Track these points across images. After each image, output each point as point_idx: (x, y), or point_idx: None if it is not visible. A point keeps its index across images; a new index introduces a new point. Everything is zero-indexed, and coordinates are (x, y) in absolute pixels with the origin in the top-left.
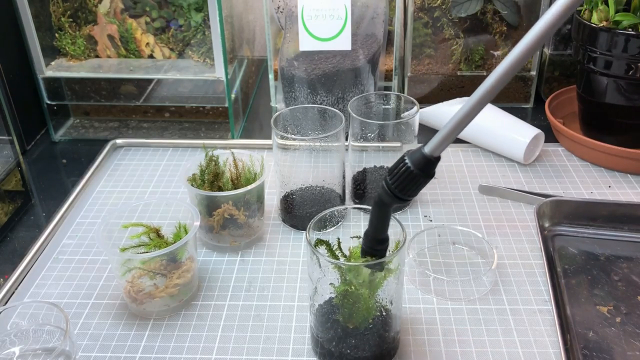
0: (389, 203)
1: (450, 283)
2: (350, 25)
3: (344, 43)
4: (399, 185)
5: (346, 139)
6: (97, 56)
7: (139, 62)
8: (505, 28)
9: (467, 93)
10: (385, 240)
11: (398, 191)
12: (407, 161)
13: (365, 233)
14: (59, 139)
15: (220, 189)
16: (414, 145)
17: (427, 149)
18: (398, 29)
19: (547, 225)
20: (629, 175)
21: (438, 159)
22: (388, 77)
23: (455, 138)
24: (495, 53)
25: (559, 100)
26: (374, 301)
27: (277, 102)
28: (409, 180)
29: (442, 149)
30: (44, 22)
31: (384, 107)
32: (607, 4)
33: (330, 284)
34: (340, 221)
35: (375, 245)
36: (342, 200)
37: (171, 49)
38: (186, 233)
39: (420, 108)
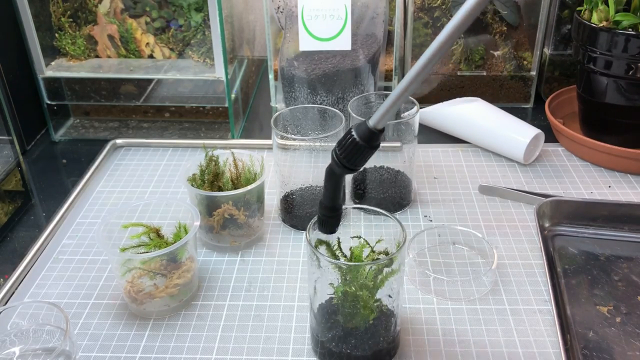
0: (339, 173)
1: (450, 283)
2: (350, 25)
3: (344, 43)
4: (347, 156)
5: None
6: (97, 56)
7: (139, 62)
8: (505, 28)
9: (467, 93)
10: (337, 209)
11: (346, 161)
12: (353, 133)
13: (320, 202)
14: (59, 139)
15: (220, 189)
16: (414, 145)
17: (372, 122)
18: (398, 29)
19: (547, 225)
20: (629, 175)
21: (382, 131)
22: (388, 77)
23: (396, 110)
24: (495, 53)
25: (559, 100)
26: (374, 301)
27: (277, 102)
28: (355, 151)
29: (385, 122)
30: (44, 22)
31: None
32: (607, 4)
33: (330, 284)
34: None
35: (328, 212)
36: (342, 200)
37: (171, 49)
38: (186, 233)
39: (420, 108)
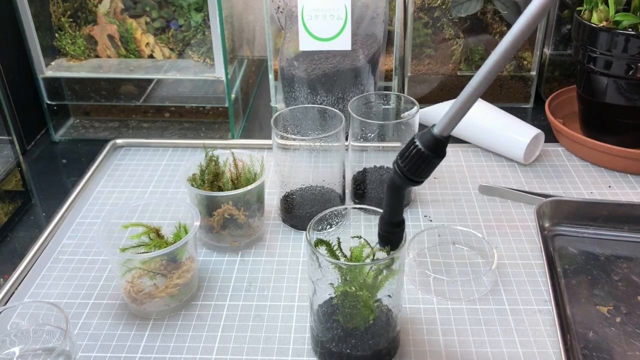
0: (402, 185)
1: (450, 283)
2: (350, 25)
3: (344, 43)
4: (411, 168)
5: (346, 139)
6: (97, 56)
7: (139, 62)
8: (505, 28)
9: None
10: (401, 223)
11: (410, 173)
12: (417, 143)
13: (381, 217)
14: (59, 139)
15: (220, 189)
16: None
17: (437, 130)
18: (398, 29)
19: (547, 225)
20: (629, 175)
21: (448, 138)
22: (388, 77)
23: (463, 116)
24: None
25: (559, 100)
26: (374, 301)
27: (277, 102)
28: (420, 161)
29: (451, 128)
30: (44, 22)
31: (384, 107)
32: (607, 4)
33: (330, 284)
34: (340, 221)
35: (392, 228)
36: (342, 200)
37: (171, 49)
38: (186, 233)
39: (420, 108)
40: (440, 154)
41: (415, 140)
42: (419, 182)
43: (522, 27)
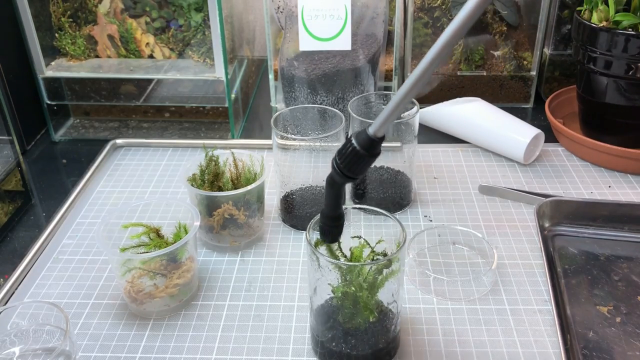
0: (340, 182)
1: (450, 283)
2: (350, 25)
3: (344, 43)
4: (347, 165)
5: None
6: (97, 56)
7: (139, 62)
8: (505, 28)
9: (467, 93)
10: (339, 218)
11: (346, 170)
12: (353, 142)
13: (321, 211)
14: (59, 139)
15: (220, 189)
16: (414, 145)
17: (371, 130)
18: (398, 29)
19: (547, 225)
20: (629, 175)
21: (382, 139)
22: (388, 77)
23: (395, 118)
24: (495, 53)
25: (559, 100)
26: (374, 301)
27: (277, 102)
28: (355, 159)
29: (384, 129)
30: (44, 22)
31: (384, 107)
32: (607, 4)
33: (329, 284)
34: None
35: (331, 222)
36: (342, 201)
37: (171, 49)
38: (186, 233)
39: (420, 108)
40: (374, 153)
41: (352, 139)
42: (354, 179)
43: (458, 25)
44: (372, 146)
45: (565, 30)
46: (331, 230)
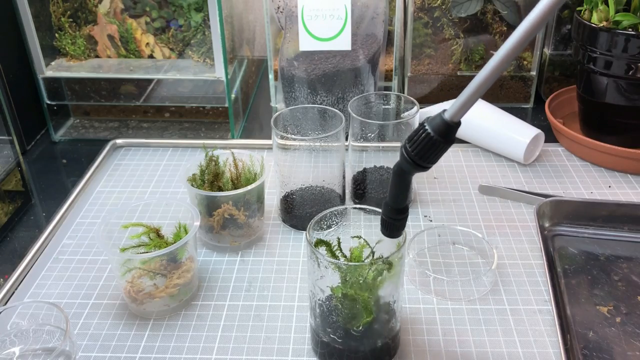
0: (409, 171)
1: (450, 283)
2: (350, 25)
3: (344, 43)
4: (419, 152)
5: (346, 139)
6: (97, 56)
7: (139, 62)
8: (505, 28)
9: None
10: (405, 210)
11: (418, 158)
12: (427, 127)
13: (385, 203)
14: (59, 139)
15: (220, 189)
16: None
17: (447, 115)
18: (398, 29)
19: (547, 225)
20: (629, 175)
21: (458, 124)
22: (388, 77)
23: (475, 102)
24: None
25: (559, 100)
26: (374, 302)
27: (277, 102)
28: (429, 146)
29: (462, 114)
30: (44, 22)
31: (384, 107)
32: (607, 4)
33: (329, 286)
34: (340, 221)
35: (395, 215)
36: (342, 200)
37: (171, 49)
38: (186, 233)
39: (420, 108)
40: (450, 140)
41: (425, 124)
42: (426, 168)
43: (539, 14)
44: (448, 132)
45: (565, 30)
46: (394, 224)
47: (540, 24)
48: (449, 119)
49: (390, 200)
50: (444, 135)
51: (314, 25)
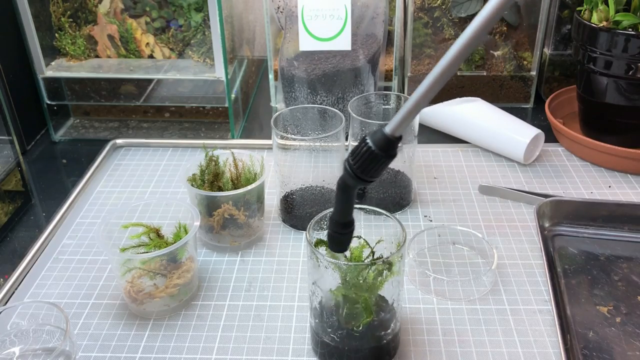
0: (352, 185)
1: (450, 283)
2: (350, 25)
3: (344, 43)
4: (361, 166)
5: (346, 139)
6: (97, 56)
7: (139, 62)
8: (505, 28)
9: (467, 93)
10: (350, 224)
11: (360, 172)
12: (368, 142)
13: (330, 218)
14: (59, 139)
15: (220, 189)
16: (414, 145)
17: (388, 129)
18: (398, 29)
19: (547, 225)
20: (629, 175)
21: (399, 139)
22: (388, 77)
23: (414, 117)
24: (495, 53)
25: (559, 100)
26: (374, 301)
27: (277, 102)
28: (370, 160)
29: (402, 129)
30: (44, 22)
31: (384, 107)
32: (607, 4)
33: (329, 289)
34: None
35: (341, 229)
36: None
37: (171, 49)
38: (186, 233)
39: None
40: (391, 154)
41: (367, 138)
42: (369, 182)
43: (479, 25)
44: (389, 146)
45: (565, 30)
46: (340, 239)
47: (478, 36)
48: (390, 133)
49: (335, 215)
50: (385, 149)
51: (314, 25)
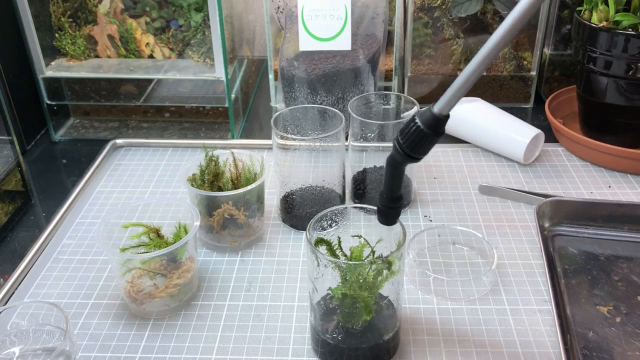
0: (401, 162)
1: (450, 283)
2: (350, 25)
3: (344, 43)
4: (410, 145)
5: (346, 139)
6: (97, 56)
7: (139, 62)
8: None
9: (467, 93)
10: (399, 199)
11: (409, 150)
12: (417, 121)
13: (381, 193)
14: (59, 139)
15: (220, 189)
16: None
17: (436, 108)
18: (398, 29)
19: (547, 225)
20: (629, 175)
21: (447, 117)
22: (388, 77)
23: (462, 96)
24: None
25: (559, 100)
26: (374, 301)
27: (277, 102)
28: (419, 139)
29: (450, 107)
30: (44, 22)
31: (384, 107)
32: (607, 4)
33: (329, 288)
34: (340, 221)
35: (391, 203)
36: (342, 200)
37: (171, 49)
38: (186, 233)
39: (420, 108)
40: (438, 132)
41: (416, 118)
42: (417, 159)
43: (525, 6)
44: (437, 125)
45: (565, 30)
46: (389, 212)
47: (527, 13)
48: (438, 112)
49: (386, 190)
50: (433, 128)
51: (314, 25)
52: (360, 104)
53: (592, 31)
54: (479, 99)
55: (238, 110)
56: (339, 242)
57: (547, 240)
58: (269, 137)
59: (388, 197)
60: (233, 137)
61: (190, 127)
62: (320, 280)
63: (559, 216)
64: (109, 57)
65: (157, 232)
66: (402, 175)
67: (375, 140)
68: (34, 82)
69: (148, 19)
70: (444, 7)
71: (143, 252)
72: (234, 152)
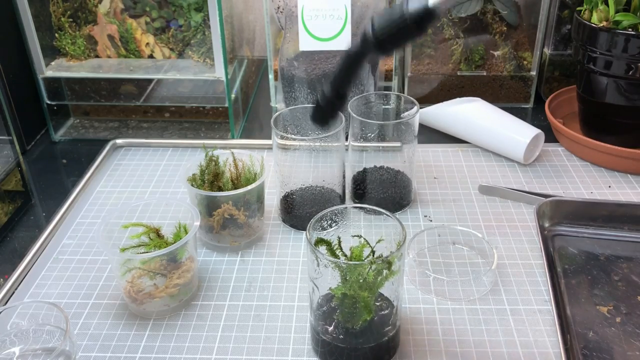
0: (363, 51)
1: (450, 283)
2: (350, 25)
3: (344, 43)
4: (386, 30)
5: (346, 139)
6: (97, 56)
7: (139, 62)
8: (505, 28)
9: (467, 93)
10: (342, 97)
11: (381, 33)
12: (404, 7)
13: (330, 82)
14: (59, 139)
15: (220, 189)
16: (414, 145)
17: (431, 0)
18: None
19: (547, 225)
20: (629, 175)
21: (438, 16)
22: (388, 77)
23: None
24: (495, 53)
25: (559, 100)
26: (374, 301)
27: (277, 102)
28: (399, 27)
29: (447, 4)
30: (44, 22)
31: (384, 107)
32: (607, 4)
33: (330, 289)
34: (340, 221)
35: (334, 99)
36: (342, 200)
37: (171, 49)
38: (186, 233)
39: (420, 108)
40: (423, 27)
41: (406, 4)
42: (385, 51)
43: None
44: (425, 17)
45: (565, 30)
46: (325, 108)
47: None
48: (432, 5)
49: (336, 81)
50: (420, 20)
51: (314, 25)
52: (360, 104)
53: (592, 31)
54: (479, 99)
55: (238, 110)
56: (339, 242)
57: (547, 240)
58: (269, 137)
59: (334, 90)
60: (233, 137)
61: (190, 127)
62: (320, 281)
63: (559, 216)
64: (109, 57)
65: (157, 232)
66: (359, 70)
67: (375, 140)
68: (34, 82)
69: (148, 19)
70: None
71: (143, 252)
72: (234, 152)
